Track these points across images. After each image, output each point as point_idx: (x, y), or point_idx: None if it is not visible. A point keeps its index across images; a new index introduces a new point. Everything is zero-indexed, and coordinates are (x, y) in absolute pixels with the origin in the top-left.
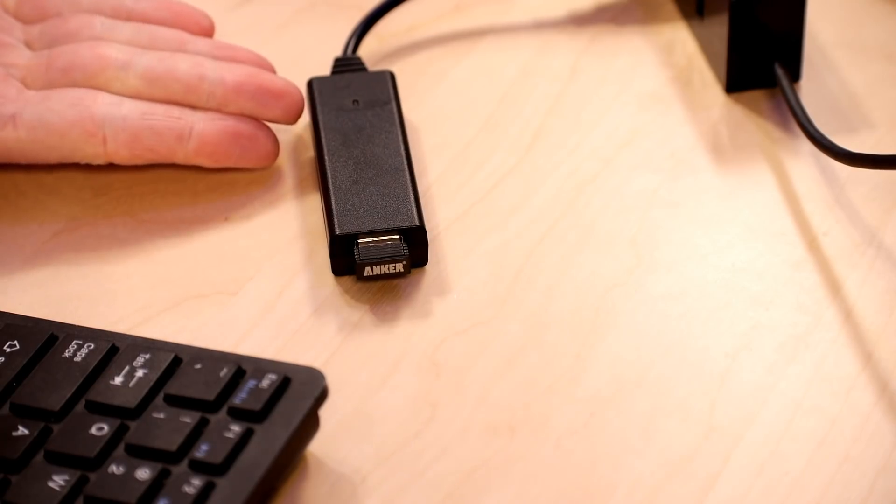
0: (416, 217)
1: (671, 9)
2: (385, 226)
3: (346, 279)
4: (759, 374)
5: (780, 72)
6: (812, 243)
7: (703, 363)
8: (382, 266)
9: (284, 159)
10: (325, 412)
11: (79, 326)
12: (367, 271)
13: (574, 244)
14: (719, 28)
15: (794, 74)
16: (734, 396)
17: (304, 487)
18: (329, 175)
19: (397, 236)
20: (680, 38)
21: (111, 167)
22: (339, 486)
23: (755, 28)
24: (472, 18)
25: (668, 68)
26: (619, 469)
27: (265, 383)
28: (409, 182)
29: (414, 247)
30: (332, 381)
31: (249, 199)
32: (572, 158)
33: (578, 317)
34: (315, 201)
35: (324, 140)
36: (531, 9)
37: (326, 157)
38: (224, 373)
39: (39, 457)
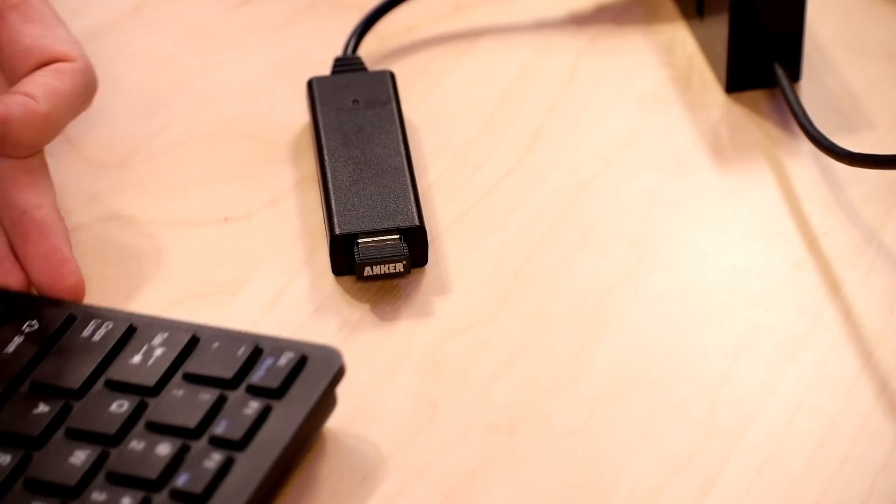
0: (416, 217)
1: (671, 9)
2: (385, 226)
3: (346, 279)
4: (759, 374)
5: (780, 72)
6: (812, 243)
7: (703, 363)
8: (382, 266)
9: (284, 159)
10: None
11: (96, 307)
12: (367, 271)
13: (574, 244)
14: (719, 28)
15: (794, 74)
16: (734, 396)
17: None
18: (329, 175)
19: (397, 236)
20: (680, 38)
21: (110, 168)
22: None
23: (755, 28)
24: (471, 18)
25: (668, 68)
26: (619, 469)
27: (283, 361)
28: (409, 182)
29: (414, 247)
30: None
31: (249, 199)
32: (572, 158)
33: (578, 317)
34: (315, 201)
35: (324, 140)
36: (531, 9)
37: (326, 157)
38: (242, 351)
39: (60, 433)
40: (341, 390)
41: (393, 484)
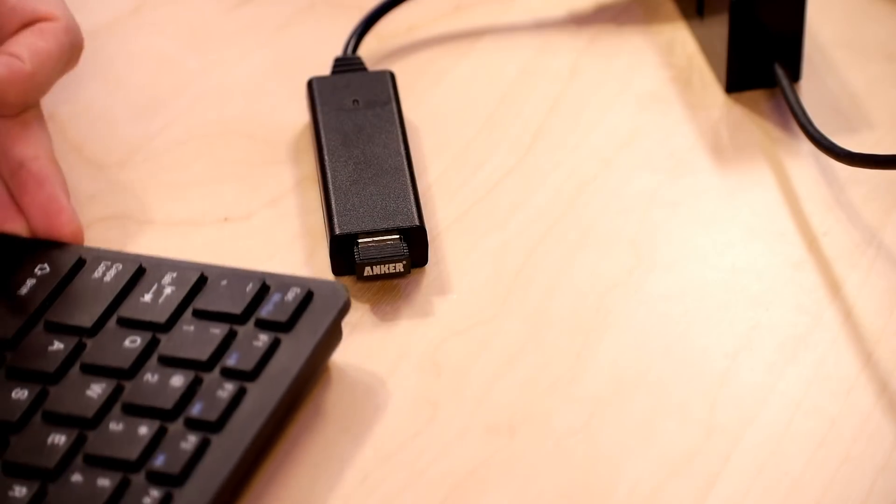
0: (416, 217)
1: (671, 9)
2: (385, 226)
3: (346, 279)
4: (759, 374)
5: (780, 72)
6: (812, 243)
7: (703, 363)
8: (382, 266)
9: (284, 159)
10: (325, 411)
11: (105, 249)
12: (367, 271)
13: (574, 244)
14: (719, 28)
15: (794, 74)
16: (734, 396)
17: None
18: (329, 175)
19: (397, 236)
20: (680, 38)
21: (110, 168)
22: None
23: (755, 28)
24: (472, 18)
25: (668, 68)
26: (619, 469)
27: (290, 296)
28: (409, 182)
29: (414, 247)
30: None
31: (249, 199)
32: (572, 158)
33: (578, 317)
34: (315, 201)
35: (324, 140)
36: (531, 9)
37: (326, 157)
38: (250, 288)
39: (75, 369)
40: (342, 390)
41: (393, 484)
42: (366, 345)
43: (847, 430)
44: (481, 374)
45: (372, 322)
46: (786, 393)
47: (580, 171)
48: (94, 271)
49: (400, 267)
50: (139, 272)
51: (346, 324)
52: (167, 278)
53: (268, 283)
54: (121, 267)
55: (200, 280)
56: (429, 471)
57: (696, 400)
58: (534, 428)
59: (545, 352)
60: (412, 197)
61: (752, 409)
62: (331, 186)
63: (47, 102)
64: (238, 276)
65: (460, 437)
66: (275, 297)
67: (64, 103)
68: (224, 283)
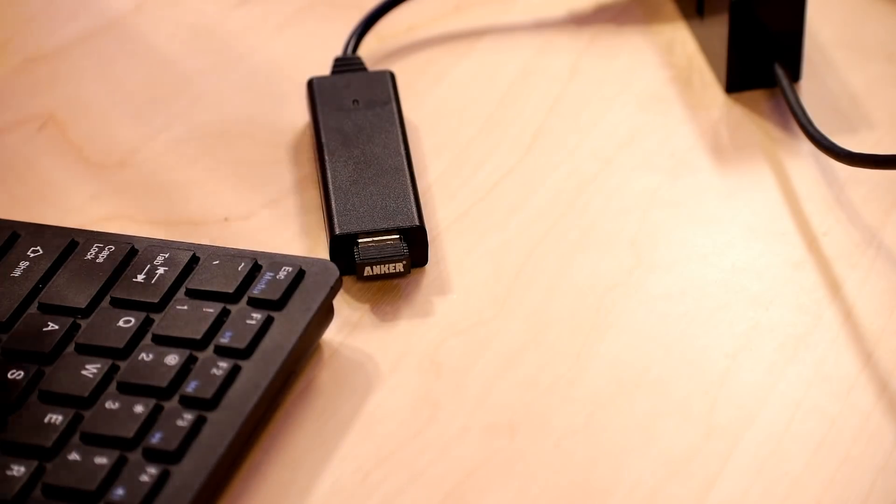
0: (416, 217)
1: (671, 9)
2: (385, 225)
3: (346, 279)
4: (759, 374)
5: (780, 72)
6: (812, 243)
7: (703, 363)
8: (382, 266)
9: (284, 159)
10: (325, 412)
11: (97, 231)
12: (367, 271)
13: (574, 244)
14: (719, 28)
15: (794, 74)
16: (734, 396)
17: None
18: (329, 175)
19: (397, 236)
20: (680, 38)
21: (110, 168)
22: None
23: (755, 28)
24: (472, 18)
25: (668, 68)
26: (619, 469)
27: (282, 275)
28: (409, 182)
29: (414, 247)
30: (332, 382)
31: (249, 199)
32: (572, 158)
33: (578, 317)
34: (315, 201)
35: (324, 140)
36: (531, 9)
37: (326, 157)
38: (242, 267)
39: (70, 349)
40: (341, 390)
41: (393, 483)
42: (366, 345)
43: (847, 430)
44: (481, 374)
45: (372, 322)
46: (786, 393)
47: (580, 171)
48: (86, 253)
49: (400, 267)
50: (131, 253)
51: (347, 324)
52: (159, 259)
53: (259, 262)
54: (113, 248)
55: (192, 260)
56: (429, 471)
57: (696, 400)
58: (534, 428)
59: (545, 352)
60: (412, 197)
61: (752, 409)
62: (331, 186)
63: (47, 102)
64: (230, 255)
65: (460, 437)
66: (267, 276)
67: (64, 103)
68: (216, 262)
